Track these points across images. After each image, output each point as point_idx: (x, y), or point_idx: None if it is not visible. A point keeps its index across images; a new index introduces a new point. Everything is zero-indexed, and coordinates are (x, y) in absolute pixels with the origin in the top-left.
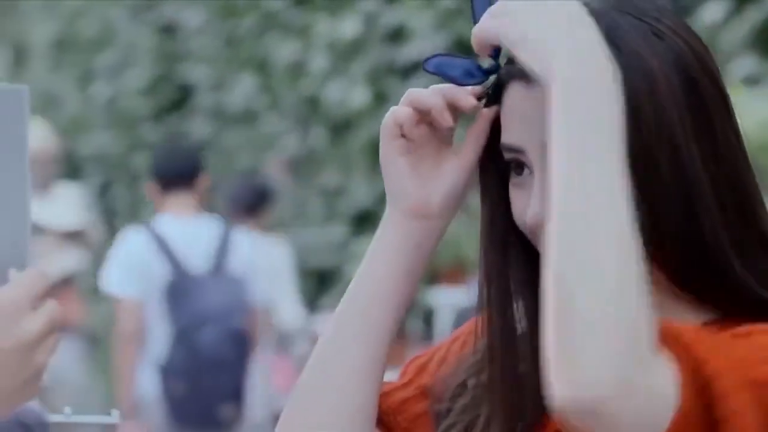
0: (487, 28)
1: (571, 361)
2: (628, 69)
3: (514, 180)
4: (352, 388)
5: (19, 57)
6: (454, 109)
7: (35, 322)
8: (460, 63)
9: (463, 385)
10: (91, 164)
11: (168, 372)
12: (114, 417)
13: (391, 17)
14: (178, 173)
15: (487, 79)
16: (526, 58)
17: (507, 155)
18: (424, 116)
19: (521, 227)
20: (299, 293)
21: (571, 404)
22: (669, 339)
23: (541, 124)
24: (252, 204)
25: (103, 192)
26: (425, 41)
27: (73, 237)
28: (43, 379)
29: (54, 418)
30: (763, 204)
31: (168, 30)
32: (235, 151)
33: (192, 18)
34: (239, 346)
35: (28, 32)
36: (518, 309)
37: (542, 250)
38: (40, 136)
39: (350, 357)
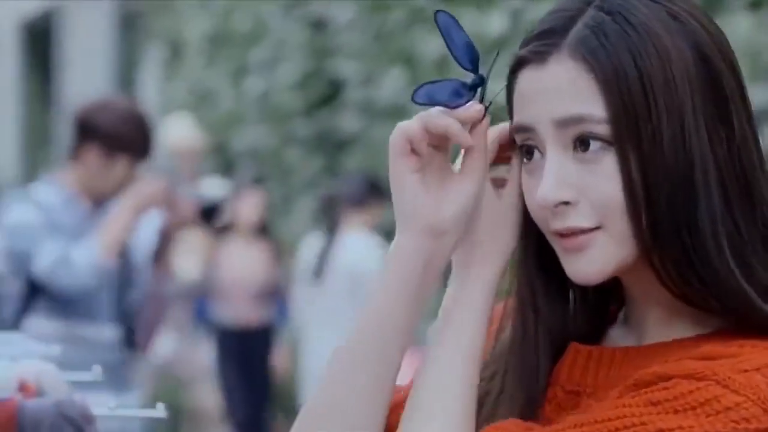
0: None
1: None
2: (642, 45)
3: (526, 167)
4: (360, 411)
5: (175, 54)
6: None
7: None
8: (446, 86)
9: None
10: (245, 159)
11: None
12: (159, 411)
13: (536, 13)
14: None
15: (474, 94)
16: None
17: (518, 138)
18: (431, 139)
19: (533, 215)
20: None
21: None
22: None
23: (551, 102)
24: (360, 200)
25: (256, 186)
26: None
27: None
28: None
29: (98, 411)
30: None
31: (318, 25)
32: (384, 145)
33: (342, 13)
34: None
35: (183, 29)
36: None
37: (550, 236)
38: (186, 132)
39: (358, 385)
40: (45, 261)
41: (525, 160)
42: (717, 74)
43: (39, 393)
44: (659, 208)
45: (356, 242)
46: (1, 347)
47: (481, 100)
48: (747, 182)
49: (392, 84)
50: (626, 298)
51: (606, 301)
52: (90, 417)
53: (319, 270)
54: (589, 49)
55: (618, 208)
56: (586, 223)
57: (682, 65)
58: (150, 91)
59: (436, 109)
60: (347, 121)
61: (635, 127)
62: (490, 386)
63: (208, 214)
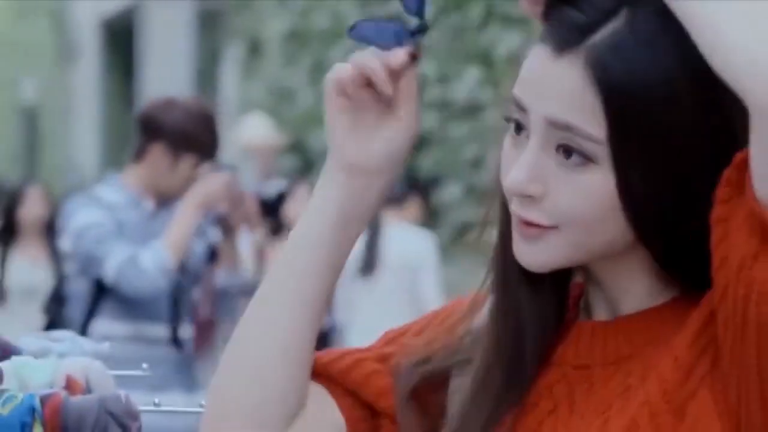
0: None
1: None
2: (655, 72)
3: (512, 135)
4: (284, 324)
5: (254, 52)
6: (391, 73)
7: None
8: (388, 28)
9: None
10: (323, 157)
11: None
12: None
13: None
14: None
15: (415, 40)
16: None
17: (512, 110)
18: (362, 81)
19: (502, 186)
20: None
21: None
22: None
23: (551, 98)
24: (398, 195)
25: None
26: None
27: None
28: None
29: (143, 407)
30: None
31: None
32: (460, 143)
33: None
34: None
35: (262, 28)
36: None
37: (511, 210)
38: (264, 130)
39: (283, 300)
40: (113, 263)
41: (514, 132)
42: (721, 95)
43: (86, 390)
44: (650, 225)
45: (406, 236)
46: (50, 344)
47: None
48: None
49: (468, 82)
50: (589, 275)
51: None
52: (134, 413)
53: (368, 266)
54: (603, 66)
55: (580, 223)
56: (544, 221)
57: (688, 87)
58: (229, 89)
59: (370, 50)
60: (424, 120)
61: (634, 152)
62: (463, 374)
63: (270, 211)
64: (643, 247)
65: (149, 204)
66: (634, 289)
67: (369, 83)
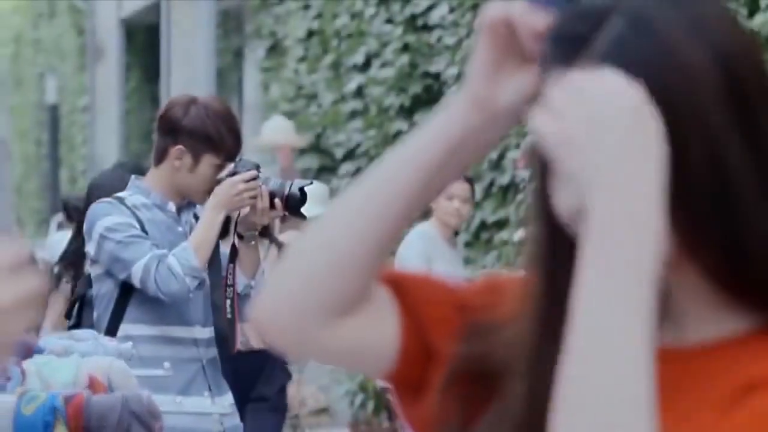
0: (538, 123)
1: None
2: (665, 64)
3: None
4: (371, 214)
5: (276, 52)
6: (533, 32)
7: (9, 291)
8: None
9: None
10: (343, 158)
11: None
12: (225, 407)
13: None
14: None
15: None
16: (567, 166)
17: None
18: (513, 28)
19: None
20: None
21: None
22: None
23: None
24: None
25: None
26: None
27: None
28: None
29: (164, 406)
30: None
31: (416, 24)
32: None
33: (438, 11)
34: None
35: (284, 28)
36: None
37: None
38: (286, 130)
39: (374, 194)
40: (139, 266)
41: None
42: (743, 85)
43: (109, 389)
44: (699, 237)
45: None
46: (74, 344)
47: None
48: None
49: None
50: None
51: None
52: (156, 412)
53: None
54: (610, 68)
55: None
56: None
57: (706, 83)
58: (250, 89)
59: (522, 2)
60: None
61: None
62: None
63: (294, 209)
64: (693, 257)
65: (172, 206)
66: (696, 312)
67: (514, 31)
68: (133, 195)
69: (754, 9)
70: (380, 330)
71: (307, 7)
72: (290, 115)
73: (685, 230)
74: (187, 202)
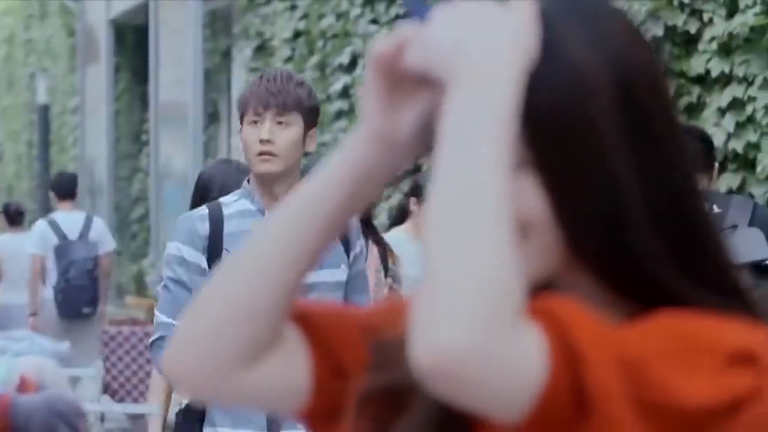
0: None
1: (431, 326)
2: (562, 78)
3: None
4: (277, 259)
5: (263, 52)
6: None
7: None
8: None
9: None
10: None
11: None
12: (151, 407)
13: None
14: None
15: None
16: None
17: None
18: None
19: None
20: None
21: (431, 369)
22: (544, 313)
23: None
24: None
25: None
26: None
27: None
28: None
29: (89, 406)
30: (709, 223)
31: (398, 23)
32: None
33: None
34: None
35: (271, 28)
36: None
37: None
38: None
39: (278, 240)
40: (156, 324)
41: None
42: (643, 107)
43: (39, 388)
44: (586, 237)
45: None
46: (10, 344)
47: None
48: (678, 200)
49: None
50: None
51: None
52: (81, 412)
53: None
54: None
55: (540, 223)
56: None
57: (603, 103)
58: (239, 90)
59: (412, 24)
60: None
61: (555, 167)
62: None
63: None
64: (585, 262)
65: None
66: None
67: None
68: (239, 200)
69: (733, 10)
70: (292, 368)
71: (293, 7)
72: None
73: (573, 234)
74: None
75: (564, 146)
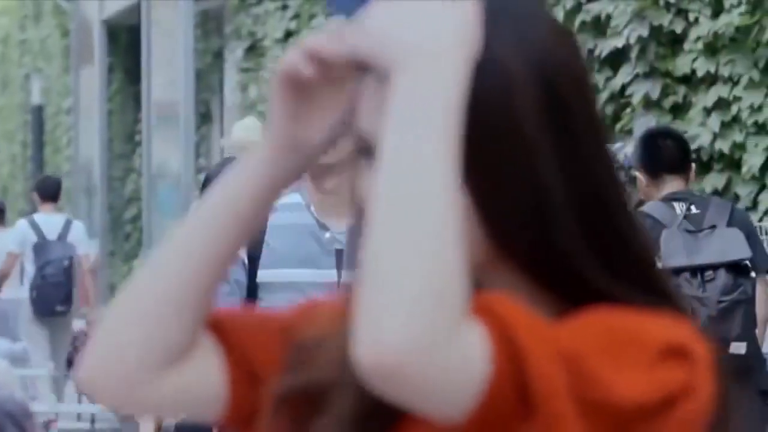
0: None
1: (373, 324)
2: (486, 72)
3: (367, 161)
4: (184, 273)
5: (254, 52)
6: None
7: None
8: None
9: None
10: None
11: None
12: (97, 407)
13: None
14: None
15: None
16: (377, 54)
17: (359, 142)
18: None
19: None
20: None
21: (374, 367)
22: (483, 310)
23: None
24: None
25: None
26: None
27: None
28: None
29: (37, 407)
30: (632, 222)
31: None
32: None
33: None
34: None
35: (263, 28)
36: None
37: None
38: (254, 131)
39: (189, 241)
40: None
41: (366, 157)
42: (566, 106)
43: None
44: (510, 235)
45: None
46: None
47: None
48: (601, 199)
49: None
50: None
51: None
52: (29, 413)
53: None
54: None
55: (463, 220)
56: None
57: (526, 100)
58: (231, 90)
59: (337, 23)
60: None
61: (477, 164)
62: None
63: None
64: (508, 257)
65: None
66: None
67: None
68: (291, 193)
69: (718, 10)
70: (207, 376)
71: (285, 7)
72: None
73: (497, 232)
74: None
75: (486, 144)
